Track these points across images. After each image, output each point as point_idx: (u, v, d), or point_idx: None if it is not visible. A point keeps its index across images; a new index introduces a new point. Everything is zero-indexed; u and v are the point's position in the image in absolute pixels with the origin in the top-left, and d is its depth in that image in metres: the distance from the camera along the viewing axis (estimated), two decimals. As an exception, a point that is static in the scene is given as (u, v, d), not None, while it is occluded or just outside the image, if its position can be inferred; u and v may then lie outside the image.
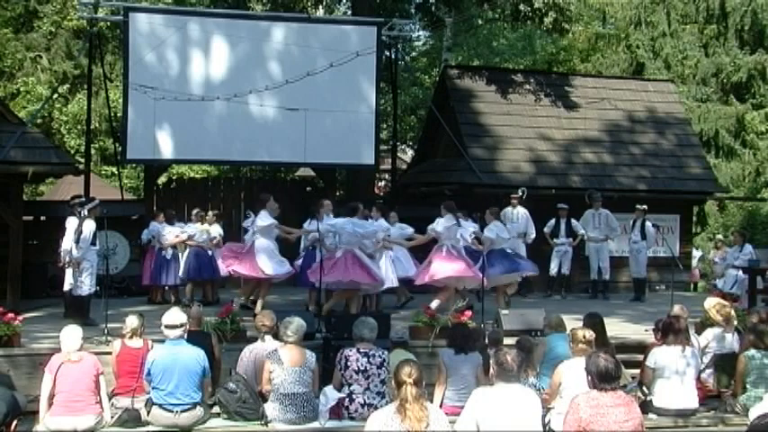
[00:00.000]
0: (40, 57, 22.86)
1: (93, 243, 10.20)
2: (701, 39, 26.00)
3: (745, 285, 13.01)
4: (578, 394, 5.44)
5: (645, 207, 14.29)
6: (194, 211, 13.03)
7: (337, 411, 7.29)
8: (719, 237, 18.07)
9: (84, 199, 10.88)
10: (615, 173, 16.29)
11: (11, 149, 11.07)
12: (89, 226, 10.12)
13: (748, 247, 14.37)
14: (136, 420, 7.07)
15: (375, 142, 15.01)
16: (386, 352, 7.67)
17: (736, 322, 9.15)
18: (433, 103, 17.38)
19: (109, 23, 18.24)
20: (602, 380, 5.29)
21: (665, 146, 17.16)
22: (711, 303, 9.04)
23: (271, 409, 7.21)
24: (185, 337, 7.39)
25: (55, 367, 6.95)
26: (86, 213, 10.16)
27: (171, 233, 12.53)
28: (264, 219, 11.16)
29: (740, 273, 13.48)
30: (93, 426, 6.91)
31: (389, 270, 11.45)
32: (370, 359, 7.37)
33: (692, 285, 18.82)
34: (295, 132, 14.30)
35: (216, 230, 12.79)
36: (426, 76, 26.60)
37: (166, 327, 7.24)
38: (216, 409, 7.37)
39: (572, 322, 8.84)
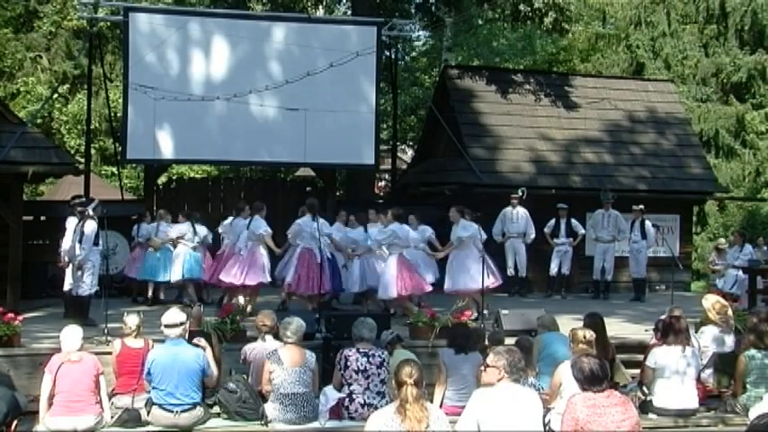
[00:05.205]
0: (40, 57, 22.86)
1: (96, 243, 10.19)
2: (701, 39, 25.99)
3: (745, 285, 13.00)
4: (575, 394, 5.44)
5: (642, 207, 14.27)
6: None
7: (337, 411, 7.29)
8: (721, 241, 17.80)
9: (84, 199, 10.87)
10: (615, 173, 16.28)
11: (11, 149, 11.04)
12: (91, 226, 10.11)
13: (748, 247, 14.39)
14: (136, 420, 7.08)
15: (375, 142, 15.01)
16: (385, 352, 7.68)
17: (733, 321, 9.14)
18: (433, 103, 17.38)
19: (109, 23, 18.25)
20: (591, 383, 5.29)
21: (665, 146, 17.16)
22: (711, 302, 9.00)
23: (271, 409, 7.22)
24: (186, 336, 7.40)
25: (55, 367, 6.95)
26: (90, 213, 10.15)
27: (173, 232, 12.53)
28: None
29: (740, 273, 13.49)
30: (93, 426, 6.91)
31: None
32: (370, 359, 7.38)
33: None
34: (295, 132, 14.29)
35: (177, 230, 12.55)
36: (426, 76, 26.57)
37: (166, 326, 7.25)
38: (216, 409, 7.38)
39: (572, 322, 8.87)
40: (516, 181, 15.17)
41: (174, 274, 12.26)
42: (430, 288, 11.12)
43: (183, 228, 12.47)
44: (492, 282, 11.08)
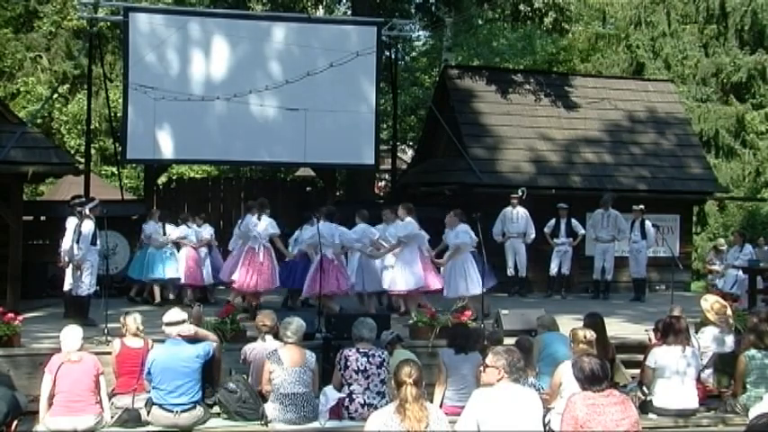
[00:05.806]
0: (40, 57, 22.86)
1: (94, 243, 10.18)
2: (701, 39, 25.99)
3: (745, 285, 13.00)
4: (574, 393, 5.45)
5: (642, 207, 14.27)
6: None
7: (337, 411, 7.30)
8: (720, 241, 17.82)
9: (84, 199, 10.87)
10: (615, 173, 16.27)
11: (11, 149, 11.05)
12: (88, 226, 10.11)
13: (748, 247, 14.39)
14: (136, 420, 7.08)
15: (375, 142, 15.01)
16: (385, 352, 7.69)
17: (732, 321, 9.13)
18: (433, 103, 17.38)
19: (109, 23, 18.25)
20: (592, 382, 5.29)
21: (665, 146, 17.16)
22: (710, 302, 9.00)
23: (271, 409, 7.22)
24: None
25: (55, 367, 6.95)
26: (87, 213, 10.15)
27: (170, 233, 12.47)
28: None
29: (740, 273, 13.48)
30: (93, 426, 6.91)
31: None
32: (370, 359, 7.39)
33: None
34: (295, 132, 14.30)
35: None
36: (426, 76, 26.58)
37: (167, 324, 7.27)
38: (216, 409, 7.38)
39: (572, 322, 8.87)
40: (516, 181, 15.17)
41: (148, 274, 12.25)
42: (346, 289, 10.81)
43: (151, 228, 12.38)
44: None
